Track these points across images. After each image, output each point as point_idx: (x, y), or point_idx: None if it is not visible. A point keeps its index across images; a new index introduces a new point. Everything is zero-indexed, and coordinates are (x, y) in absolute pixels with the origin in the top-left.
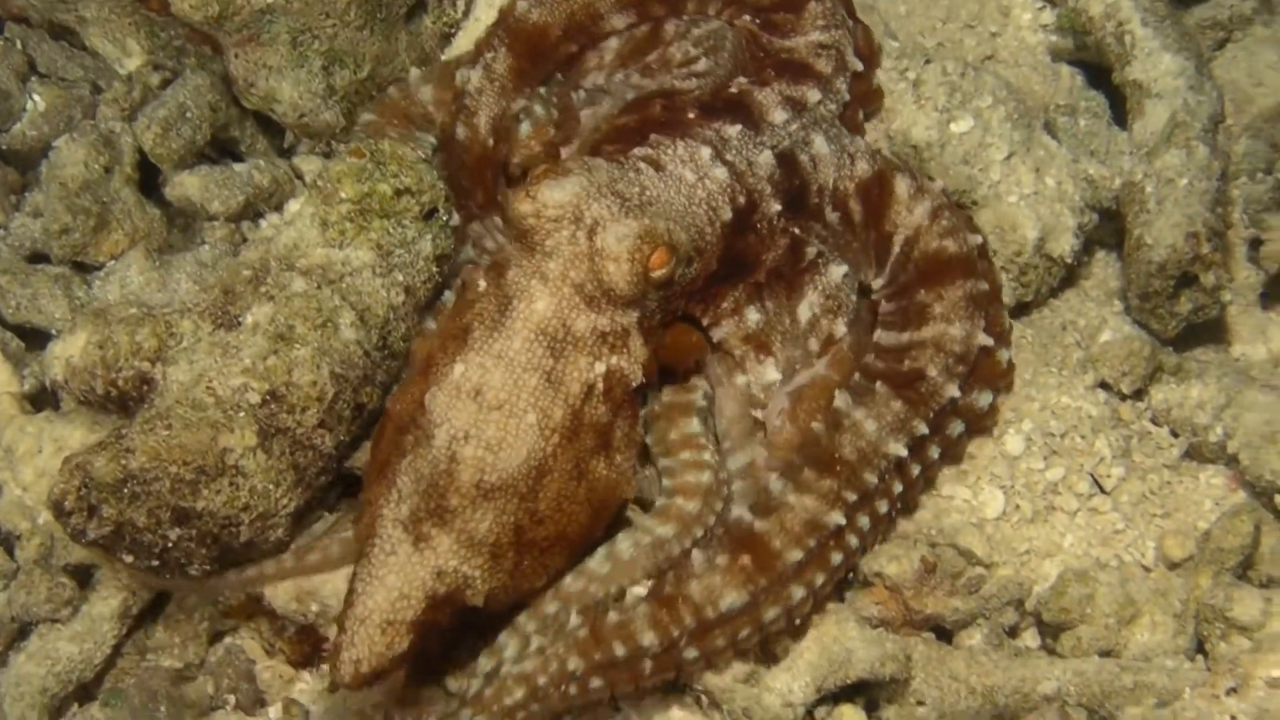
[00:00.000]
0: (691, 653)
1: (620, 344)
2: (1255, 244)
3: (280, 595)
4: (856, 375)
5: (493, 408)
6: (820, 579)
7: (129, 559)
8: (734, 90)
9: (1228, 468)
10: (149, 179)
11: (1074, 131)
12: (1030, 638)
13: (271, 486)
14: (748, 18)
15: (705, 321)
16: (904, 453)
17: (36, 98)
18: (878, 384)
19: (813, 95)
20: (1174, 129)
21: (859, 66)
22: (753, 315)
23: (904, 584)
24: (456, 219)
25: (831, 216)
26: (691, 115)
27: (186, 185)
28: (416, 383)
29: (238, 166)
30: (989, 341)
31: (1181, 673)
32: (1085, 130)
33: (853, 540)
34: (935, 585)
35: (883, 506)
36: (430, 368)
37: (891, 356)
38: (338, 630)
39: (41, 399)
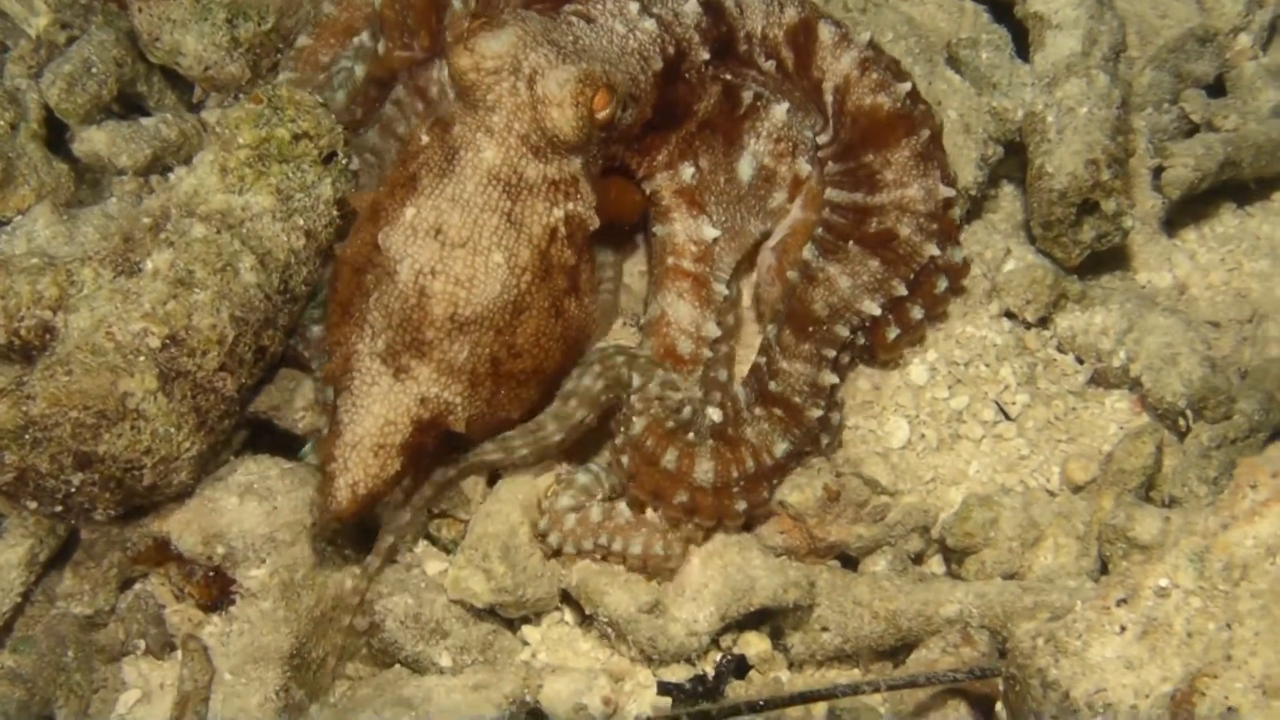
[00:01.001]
0: (740, 503)
1: (573, 190)
2: (1159, 173)
3: (187, 539)
4: (821, 230)
5: (456, 245)
6: (829, 437)
7: (33, 505)
8: None
9: (1131, 392)
10: (58, 135)
11: (976, 65)
12: (936, 564)
13: (173, 430)
14: None
15: (640, 173)
16: (877, 311)
17: None
18: (849, 243)
19: None
20: (1074, 59)
21: None
22: (687, 170)
23: (807, 512)
24: (356, 162)
25: (767, 65)
26: None
27: (93, 140)
28: (365, 228)
29: (145, 121)
30: (950, 192)
31: (1082, 591)
32: (987, 63)
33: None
34: (839, 513)
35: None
36: (378, 213)
37: (851, 215)
38: (325, 463)
39: None
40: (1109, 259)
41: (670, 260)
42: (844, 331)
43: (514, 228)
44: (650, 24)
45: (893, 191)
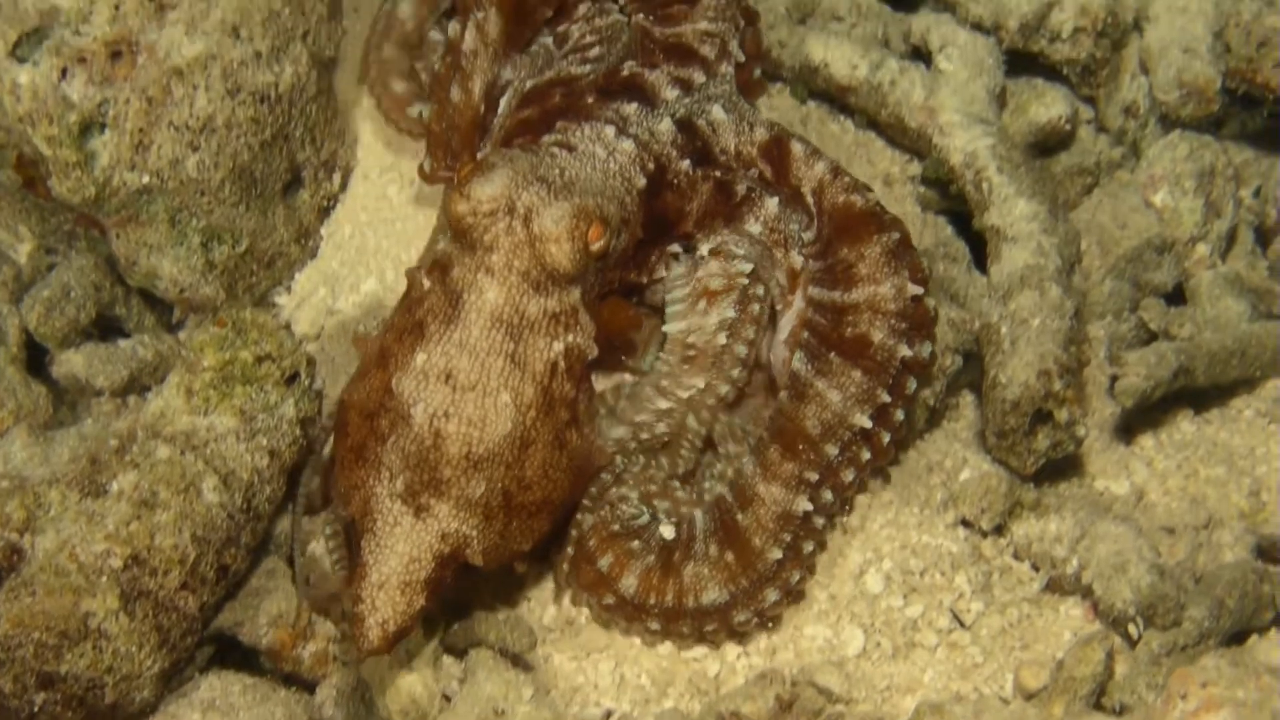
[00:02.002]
0: (654, 624)
1: (571, 321)
2: (1115, 380)
3: None
4: (806, 334)
5: (466, 389)
6: (797, 575)
7: None
8: (626, 73)
9: (1084, 599)
10: (38, 357)
11: (935, 277)
12: None
13: (135, 648)
14: (642, 16)
15: (644, 282)
16: (869, 424)
17: None
18: (831, 354)
19: (698, 77)
20: (1028, 271)
21: (741, 57)
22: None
23: None
24: (320, 382)
25: (749, 172)
26: (590, 100)
27: (72, 363)
28: (375, 374)
29: (122, 343)
30: (919, 290)
31: None
32: (945, 275)
33: (819, 521)
34: None
35: (848, 475)
36: (387, 359)
37: (830, 315)
38: (354, 604)
39: None
40: (1066, 466)
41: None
42: (832, 451)
43: (518, 368)
44: (628, 144)
45: (865, 288)
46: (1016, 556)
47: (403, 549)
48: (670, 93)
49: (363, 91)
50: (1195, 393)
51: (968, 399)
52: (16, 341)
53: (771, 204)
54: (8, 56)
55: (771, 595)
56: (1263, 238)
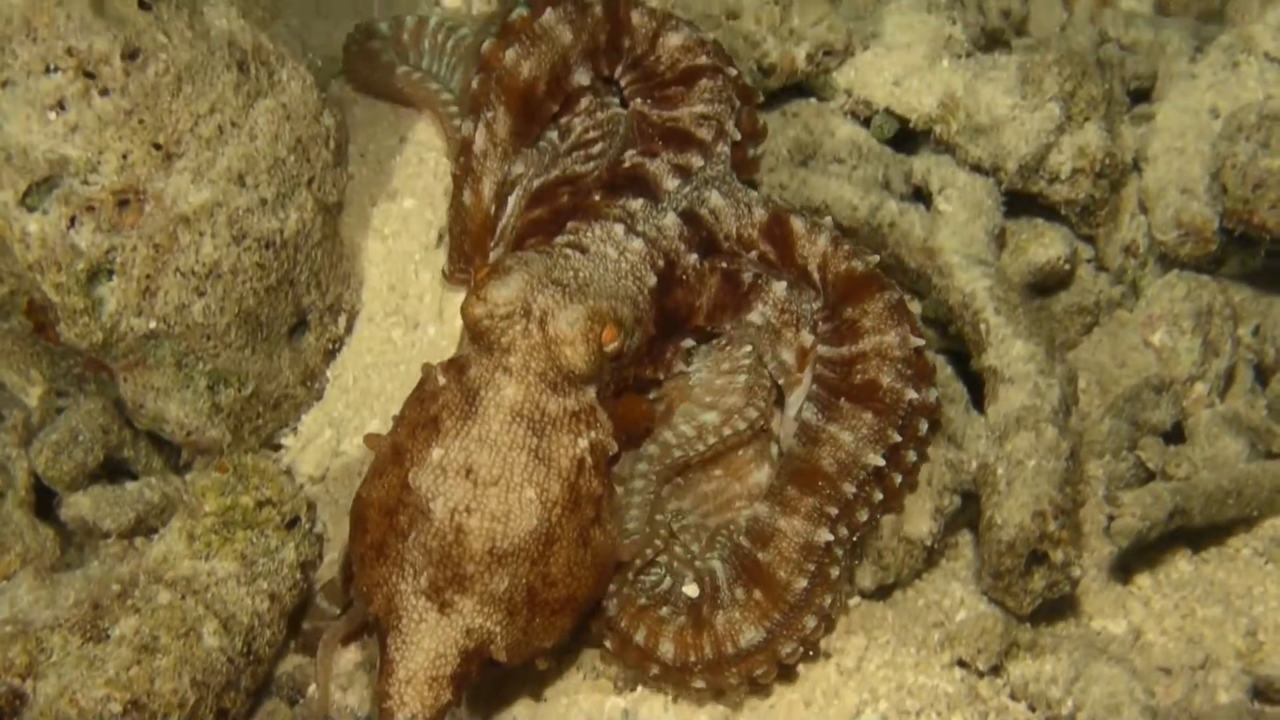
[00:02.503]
0: (699, 682)
1: (592, 419)
2: (1111, 520)
3: None
4: (814, 386)
5: (488, 484)
6: (829, 598)
7: None
8: (628, 165)
9: None
10: (46, 499)
11: None
12: None
13: None
14: (639, 100)
15: (661, 377)
16: (882, 462)
17: None
18: (841, 400)
19: (696, 161)
20: (1024, 412)
21: (737, 136)
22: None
23: None
24: (321, 526)
25: (751, 256)
26: (597, 197)
27: (79, 505)
28: (391, 471)
29: (129, 485)
30: (920, 342)
31: None
32: (943, 416)
33: (839, 552)
34: None
35: (863, 515)
36: (401, 456)
37: (838, 368)
38: (381, 700)
39: None
40: (1063, 606)
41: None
42: (849, 489)
43: (543, 463)
44: (638, 243)
45: (871, 338)
46: (1013, 697)
47: (428, 645)
48: (671, 183)
49: (368, 235)
50: (1192, 532)
51: (965, 538)
52: (25, 485)
53: (779, 288)
54: (18, 205)
55: (810, 622)
56: (1261, 376)
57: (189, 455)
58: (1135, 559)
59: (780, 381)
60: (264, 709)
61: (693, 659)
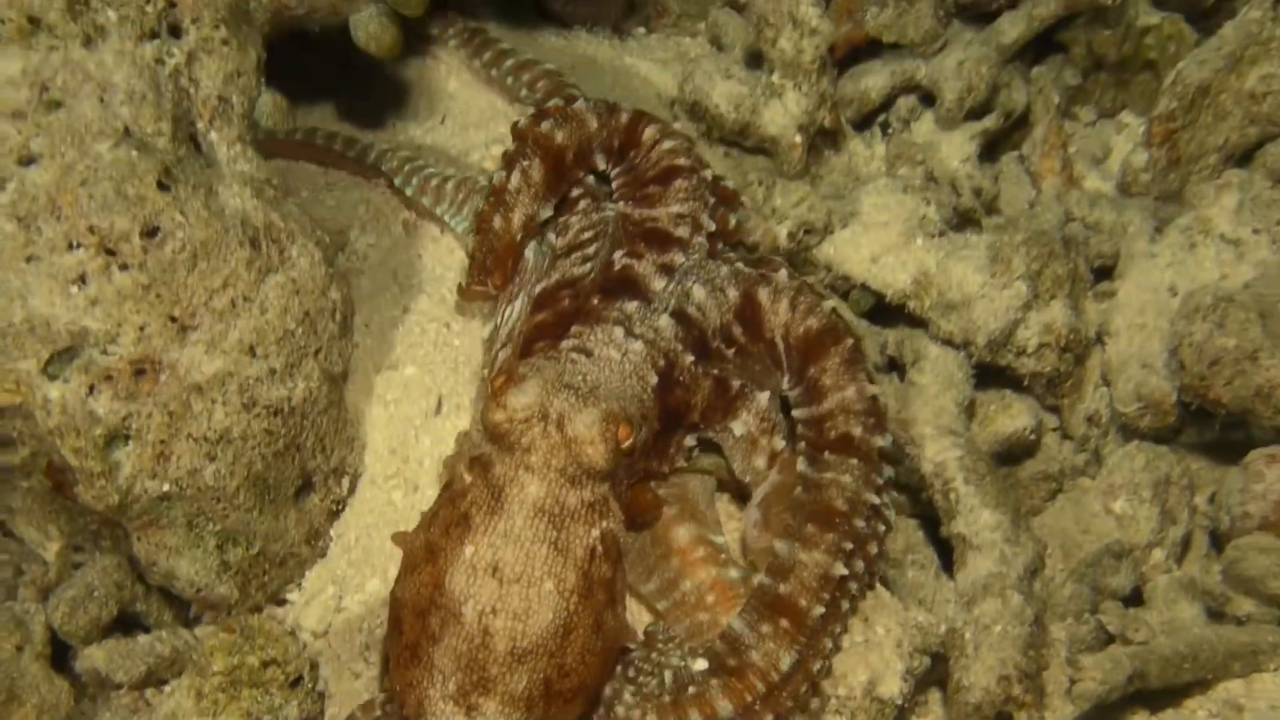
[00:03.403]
0: (769, 715)
1: (605, 509)
2: (1073, 683)
3: None
4: (801, 444)
5: (512, 581)
6: (839, 627)
7: None
8: (618, 268)
9: None
10: (61, 650)
11: (904, 583)
12: None
13: None
14: (623, 203)
15: (665, 469)
16: (877, 500)
17: None
18: (825, 453)
19: (678, 259)
20: (991, 579)
21: (712, 227)
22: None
23: None
24: (323, 684)
25: (729, 352)
26: (595, 301)
27: (94, 658)
28: (424, 569)
29: (141, 638)
30: (876, 390)
31: None
32: (913, 581)
33: (854, 585)
34: None
35: (873, 548)
36: (436, 554)
37: (813, 427)
38: None
39: None
40: None
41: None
42: (860, 524)
43: (560, 554)
44: (638, 345)
45: (834, 396)
46: None
47: None
48: (659, 283)
49: (371, 401)
50: (1150, 693)
51: (935, 696)
52: (42, 639)
53: (762, 399)
54: (40, 374)
55: (828, 643)
56: (1216, 542)
57: (198, 609)
58: (1095, 718)
59: (748, 480)
60: None
61: (750, 699)
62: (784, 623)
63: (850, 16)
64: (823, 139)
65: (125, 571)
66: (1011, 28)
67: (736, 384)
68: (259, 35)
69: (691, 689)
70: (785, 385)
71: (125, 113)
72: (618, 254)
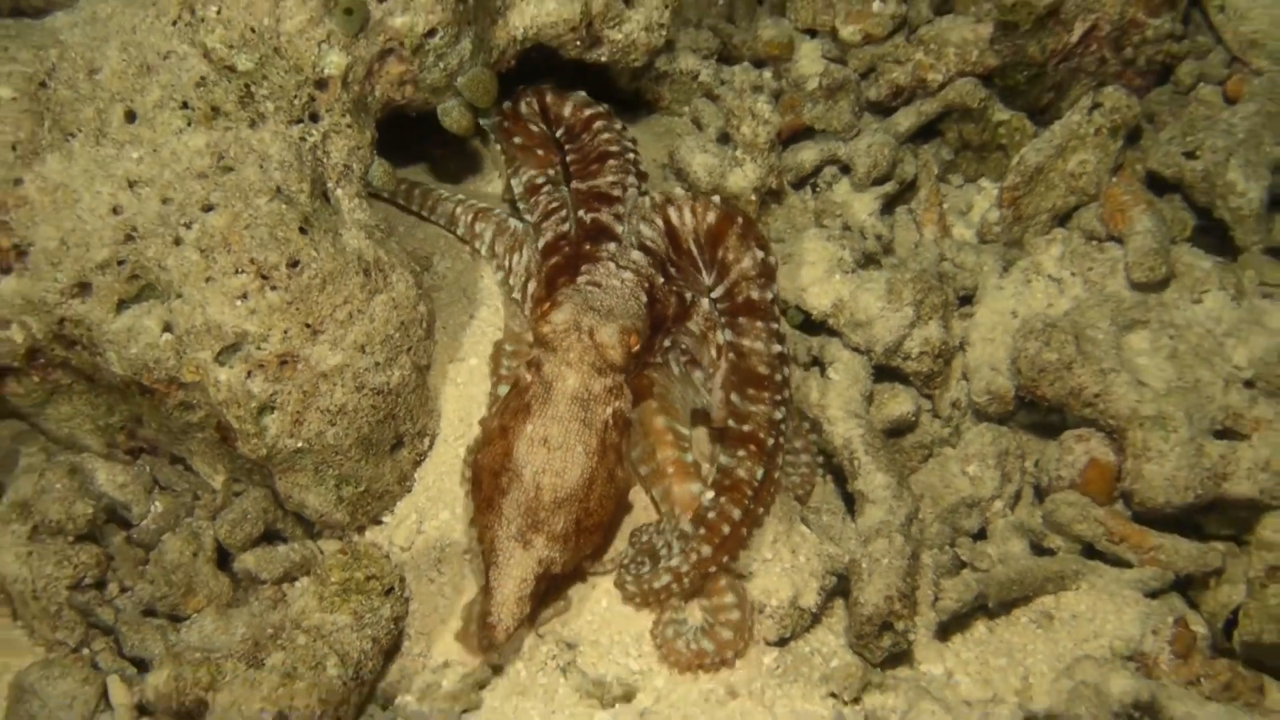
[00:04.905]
0: (759, 509)
1: (619, 392)
2: (936, 599)
3: None
4: (718, 315)
5: (555, 448)
6: (781, 457)
7: None
8: (588, 221)
9: None
10: (226, 556)
11: (819, 525)
12: None
13: None
14: (576, 180)
15: (656, 361)
16: (781, 347)
17: (157, 504)
18: (740, 318)
19: (620, 209)
20: (881, 525)
21: (636, 185)
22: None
23: None
24: (408, 591)
25: (674, 272)
26: (587, 247)
27: (246, 562)
28: (498, 443)
29: (280, 547)
30: (763, 253)
31: None
32: (827, 524)
33: (785, 424)
34: None
35: (788, 393)
36: (507, 431)
37: (726, 299)
38: (484, 615)
39: (146, 709)
40: (901, 657)
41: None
42: (779, 377)
43: (587, 427)
44: (629, 274)
45: (735, 268)
46: (867, 719)
47: (516, 574)
48: (619, 227)
49: (445, 383)
50: (989, 607)
51: (838, 605)
52: (211, 546)
53: (704, 303)
54: (213, 362)
55: (779, 462)
56: (1039, 494)
57: (320, 528)
58: (950, 623)
59: (710, 370)
60: (365, 715)
61: (746, 501)
62: (752, 448)
63: (793, 109)
64: (770, 197)
65: (270, 500)
66: (905, 119)
67: (689, 295)
68: (372, 119)
69: (709, 513)
70: (708, 283)
71: (277, 176)
72: (581, 212)
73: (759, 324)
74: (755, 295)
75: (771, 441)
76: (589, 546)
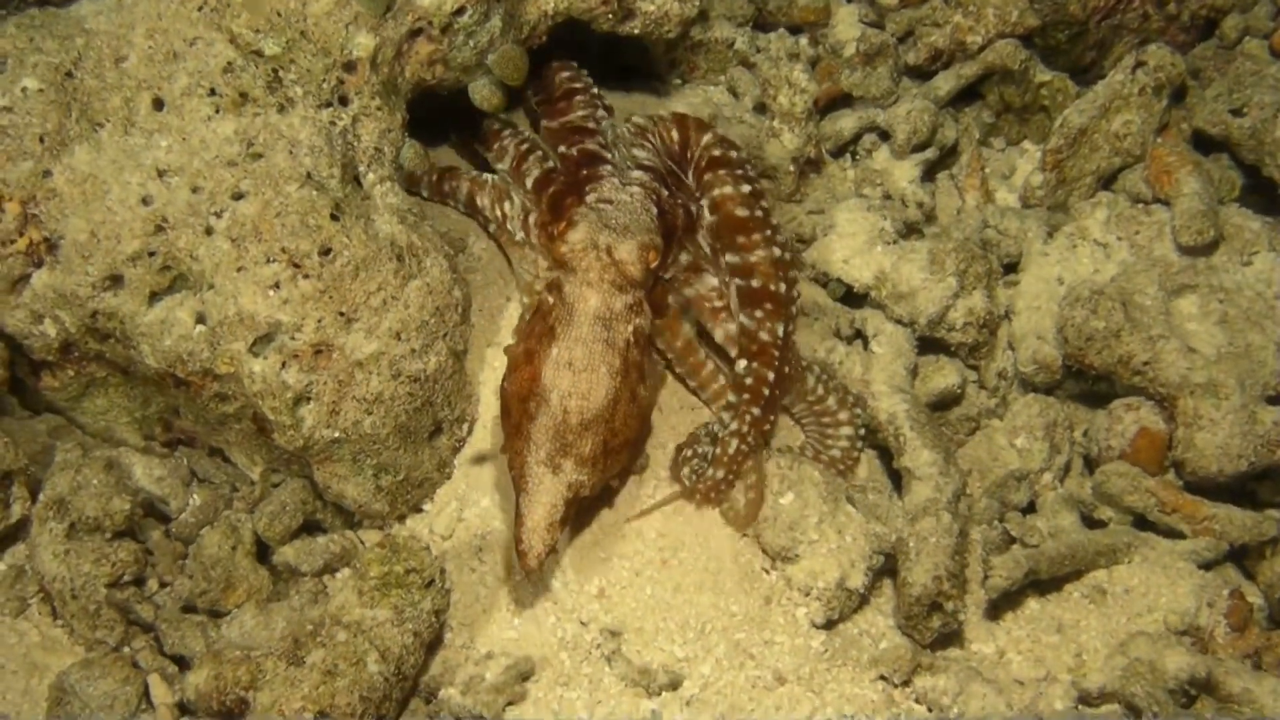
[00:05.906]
0: (785, 368)
1: (639, 309)
2: (986, 576)
3: None
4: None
5: (581, 371)
6: (796, 292)
7: None
8: (575, 151)
9: None
10: (265, 548)
11: (866, 503)
12: None
13: None
14: (546, 119)
15: (668, 275)
16: (752, 186)
17: (195, 497)
18: (705, 175)
19: (602, 140)
20: (928, 503)
21: (605, 116)
22: (685, 258)
23: None
24: (449, 583)
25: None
26: (585, 172)
27: (285, 554)
28: (524, 368)
29: (320, 539)
30: (722, 132)
31: None
32: (873, 502)
33: (788, 256)
34: None
35: (781, 237)
36: (533, 356)
37: (697, 174)
38: (517, 541)
39: (187, 708)
40: (951, 637)
41: (708, 305)
42: (760, 213)
43: (610, 347)
44: (637, 189)
45: (696, 143)
46: (918, 702)
47: (546, 499)
48: (608, 154)
49: (483, 368)
50: (1040, 582)
51: (887, 584)
52: (250, 540)
53: (709, 217)
54: (247, 353)
55: (794, 310)
56: (1089, 465)
57: (360, 518)
58: (1001, 601)
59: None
60: (408, 710)
61: (775, 361)
62: (768, 305)
63: (830, 77)
64: (809, 166)
65: (308, 491)
66: (944, 84)
67: (695, 208)
68: (403, 101)
69: (747, 379)
70: (691, 182)
71: (308, 162)
72: (563, 147)
73: (722, 172)
74: (717, 153)
75: (784, 289)
76: (616, 467)
